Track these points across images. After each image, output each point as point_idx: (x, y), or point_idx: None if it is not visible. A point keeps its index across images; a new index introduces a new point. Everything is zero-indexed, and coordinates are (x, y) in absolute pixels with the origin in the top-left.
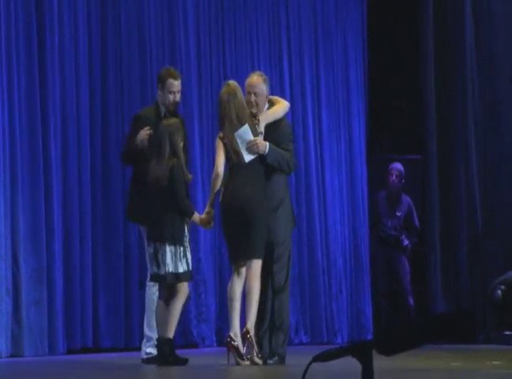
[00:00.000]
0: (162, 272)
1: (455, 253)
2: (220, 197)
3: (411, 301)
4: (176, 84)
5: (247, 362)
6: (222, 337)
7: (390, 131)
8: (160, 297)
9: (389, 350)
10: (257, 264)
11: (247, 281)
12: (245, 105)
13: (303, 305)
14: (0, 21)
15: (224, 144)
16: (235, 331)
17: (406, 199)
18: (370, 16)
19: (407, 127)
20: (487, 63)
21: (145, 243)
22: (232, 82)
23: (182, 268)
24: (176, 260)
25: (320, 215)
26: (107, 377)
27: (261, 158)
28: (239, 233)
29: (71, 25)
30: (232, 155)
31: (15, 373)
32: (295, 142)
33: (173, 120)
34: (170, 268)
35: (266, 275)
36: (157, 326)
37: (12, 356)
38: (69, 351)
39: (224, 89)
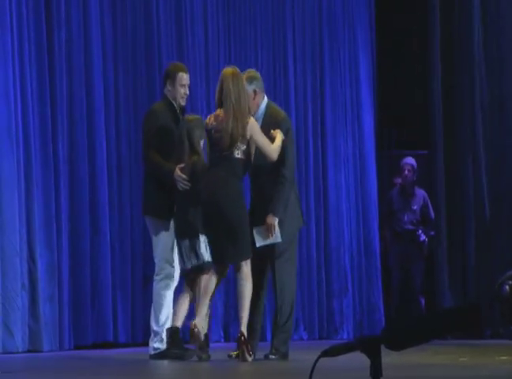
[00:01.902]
0: (201, 261)
1: (463, 248)
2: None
3: (421, 300)
4: (186, 78)
5: (249, 358)
6: (229, 333)
7: (399, 127)
8: (187, 288)
9: (397, 346)
10: (246, 266)
11: (239, 284)
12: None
13: (302, 301)
14: (12, 19)
15: (209, 131)
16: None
17: (421, 192)
18: (377, 14)
19: (416, 123)
20: (495, 59)
21: (168, 239)
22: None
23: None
24: (207, 249)
25: (318, 212)
26: (119, 372)
27: (241, 161)
28: (221, 238)
29: (80, 23)
30: (216, 142)
31: (26, 369)
32: (298, 138)
33: (194, 117)
34: (205, 257)
35: (265, 272)
36: (177, 316)
37: (30, 351)
38: (78, 347)
39: (228, 69)
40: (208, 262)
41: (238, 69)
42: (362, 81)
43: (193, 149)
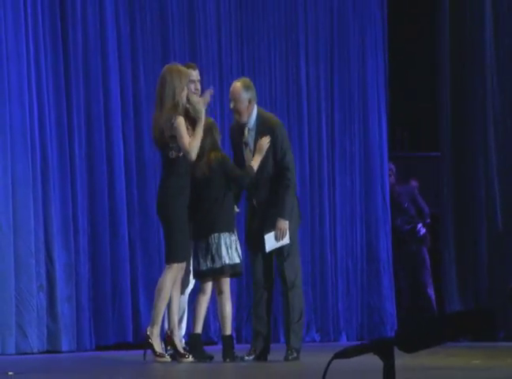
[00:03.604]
0: (218, 264)
1: (474, 252)
2: None
3: (430, 292)
4: (195, 74)
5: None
6: (241, 334)
7: (410, 129)
8: (204, 292)
9: (410, 348)
10: (169, 270)
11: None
12: (179, 91)
13: (314, 304)
14: (27, 21)
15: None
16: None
17: (407, 188)
18: (388, 16)
19: (426, 125)
20: (507, 60)
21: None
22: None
23: (238, 259)
24: (232, 251)
25: (330, 214)
26: (131, 373)
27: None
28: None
29: (96, 24)
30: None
31: (35, 369)
32: (310, 140)
33: (209, 119)
34: (226, 260)
35: (270, 272)
36: (197, 321)
37: (49, 351)
38: (100, 347)
39: (166, 65)
40: (228, 265)
41: (174, 66)
42: (372, 84)
43: (215, 148)
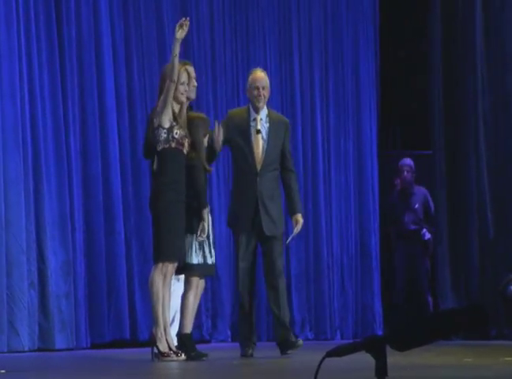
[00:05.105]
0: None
1: (466, 249)
2: None
3: (429, 299)
4: (190, 70)
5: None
6: (236, 333)
7: (402, 127)
8: (187, 291)
9: (402, 346)
10: (155, 269)
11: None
12: (167, 86)
13: (308, 302)
14: (19, 17)
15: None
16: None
17: (421, 190)
18: (380, 14)
19: (418, 123)
20: (498, 58)
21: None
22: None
23: (196, 260)
24: (191, 251)
25: (326, 212)
26: (124, 372)
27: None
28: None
29: (90, 20)
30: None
31: (33, 368)
32: (304, 139)
33: (197, 114)
34: (189, 259)
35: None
36: (186, 321)
37: (40, 349)
38: (95, 345)
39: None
40: (188, 264)
41: (169, 63)
42: (365, 83)
43: (194, 146)
